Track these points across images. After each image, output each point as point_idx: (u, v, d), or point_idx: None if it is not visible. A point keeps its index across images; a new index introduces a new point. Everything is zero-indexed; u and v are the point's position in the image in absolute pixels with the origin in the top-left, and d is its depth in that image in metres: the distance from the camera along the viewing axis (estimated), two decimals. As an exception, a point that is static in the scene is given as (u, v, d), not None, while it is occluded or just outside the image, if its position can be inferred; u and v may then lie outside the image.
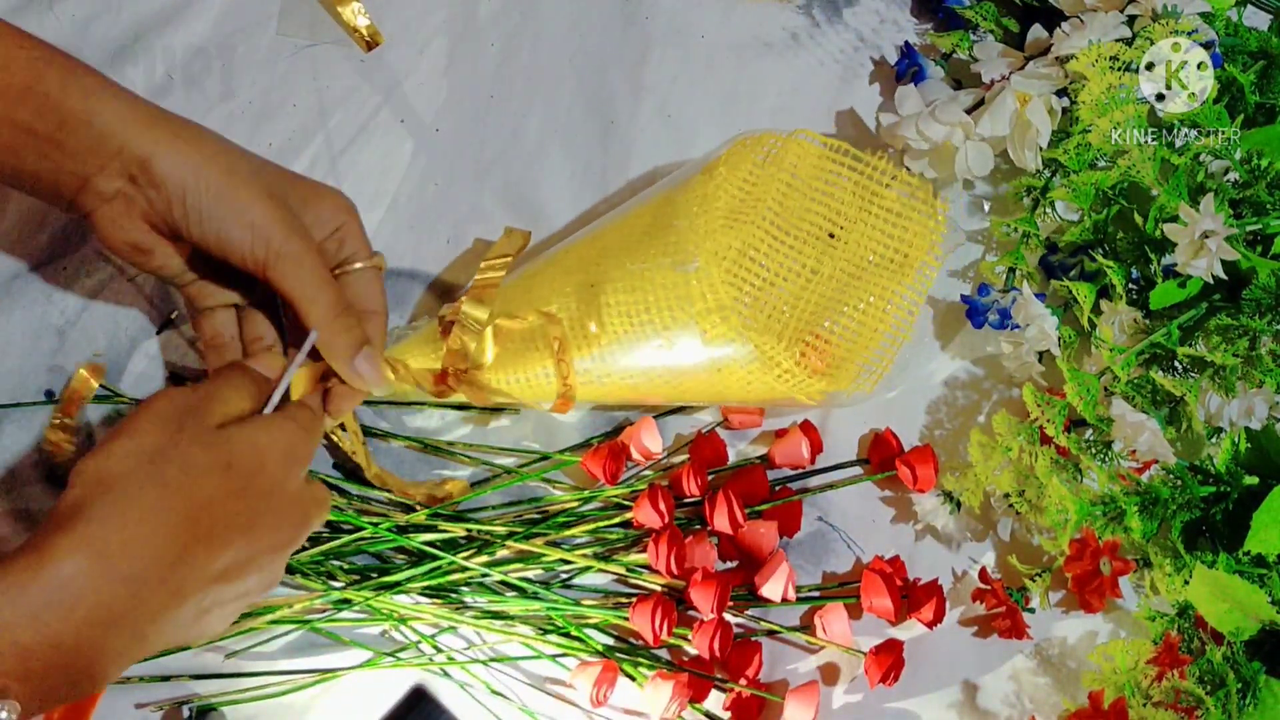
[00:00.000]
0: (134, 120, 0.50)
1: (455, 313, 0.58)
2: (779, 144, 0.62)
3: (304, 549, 0.61)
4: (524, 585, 0.61)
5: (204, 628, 0.47)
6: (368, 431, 0.64)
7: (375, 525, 0.61)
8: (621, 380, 0.59)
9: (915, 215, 0.61)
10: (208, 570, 0.45)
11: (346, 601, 0.60)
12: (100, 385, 0.63)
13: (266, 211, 0.51)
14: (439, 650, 0.61)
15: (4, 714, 0.40)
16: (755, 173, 0.62)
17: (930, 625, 0.61)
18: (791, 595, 0.60)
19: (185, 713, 0.59)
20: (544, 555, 0.61)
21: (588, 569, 0.62)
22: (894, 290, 0.61)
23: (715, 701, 0.61)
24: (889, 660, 0.60)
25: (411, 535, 0.61)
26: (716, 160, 0.61)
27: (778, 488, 0.65)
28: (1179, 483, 0.60)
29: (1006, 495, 0.63)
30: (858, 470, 0.66)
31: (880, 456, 0.65)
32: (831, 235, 0.61)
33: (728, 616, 0.61)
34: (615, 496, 0.63)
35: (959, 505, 0.63)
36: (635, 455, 0.64)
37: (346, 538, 0.61)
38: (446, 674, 0.61)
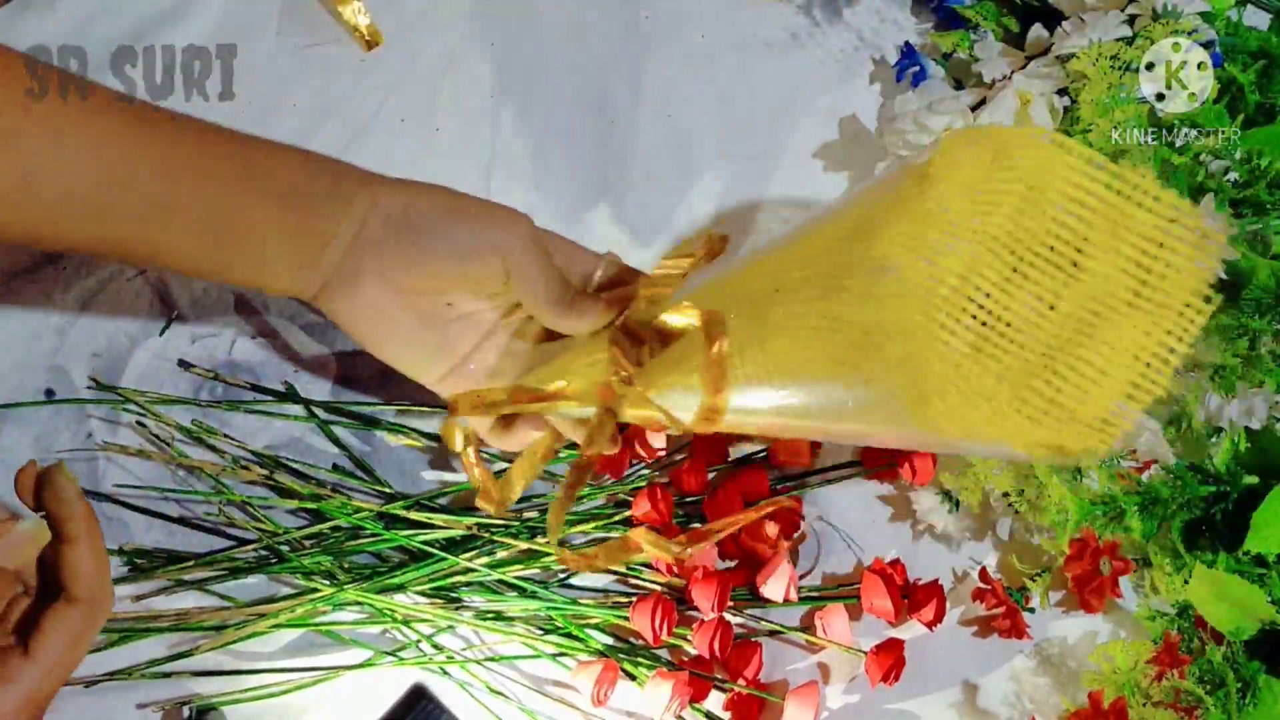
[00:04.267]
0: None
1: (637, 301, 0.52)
2: (1009, 143, 0.50)
3: (304, 549, 0.61)
4: (523, 585, 0.61)
5: None
6: (368, 423, 0.64)
7: (380, 529, 0.61)
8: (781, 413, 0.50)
9: (1179, 247, 0.49)
10: None
11: (347, 601, 0.60)
12: (100, 385, 0.63)
13: (478, 232, 0.52)
14: (439, 650, 0.61)
15: None
16: (981, 178, 0.50)
17: (931, 626, 0.61)
18: (793, 595, 0.60)
19: (185, 713, 0.59)
20: (547, 553, 0.61)
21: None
22: (1146, 334, 0.49)
23: (715, 702, 0.61)
24: (890, 660, 0.60)
25: (412, 534, 0.61)
26: (926, 163, 0.50)
27: (778, 486, 0.65)
28: (1179, 482, 0.60)
29: (1006, 494, 0.63)
30: (857, 467, 0.66)
31: (873, 460, 0.65)
32: (1075, 264, 0.49)
33: (728, 616, 0.61)
34: (617, 493, 0.63)
35: (957, 504, 0.63)
36: (639, 451, 0.63)
37: (358, 541, 0.61)
38: (446, 673, 0.61)
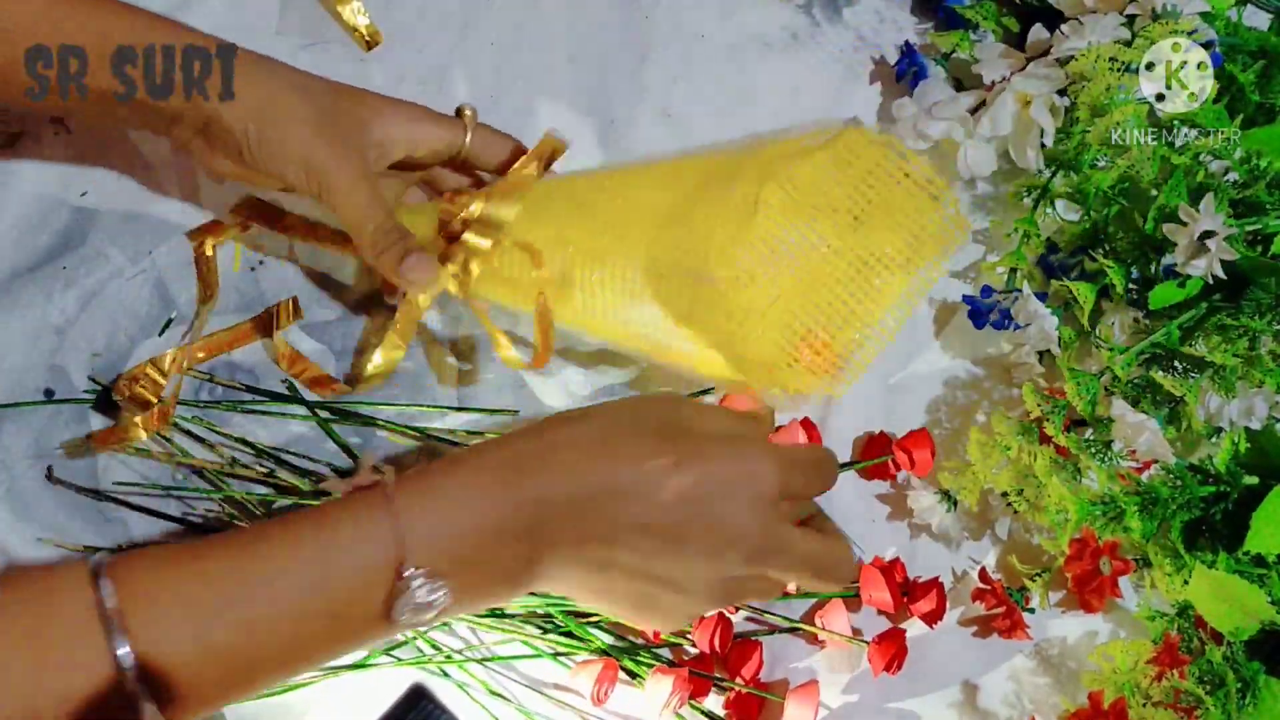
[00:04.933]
0: None
1: (465, 212, 0.60)
2: (828, 137, 0.61)
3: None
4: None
5: (597, 585, 0.50)
6: (367, 422, 0.64)
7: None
8: (602, 322, 0.60)
9: (937, 220, 0.61)
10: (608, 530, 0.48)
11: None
12: (100, 384, 0.63)
13: (315, 150, 0.56)
14: (438, 650, 0.61)
15: (438, 595, 0.46)
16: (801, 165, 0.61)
17: (931, 620, 0.61)
18: (791, 587, 0.60)
19: (185, 712, 0.59)
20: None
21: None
22: (892, 286, 0.61)
23: (715, 702, 0.61)
24: (892, 649, 0.60)
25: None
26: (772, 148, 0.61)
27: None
28: (1179, 483, 0.60)
29: (1005, 494, 0.63)
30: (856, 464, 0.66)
31: (871, 455, 0.65)
32: (856, 218, 0.61)
33: (730, 615, 0.61)
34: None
35: (955, 504, 0.63)
36: None
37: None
38: (445, 674, 0.61)
